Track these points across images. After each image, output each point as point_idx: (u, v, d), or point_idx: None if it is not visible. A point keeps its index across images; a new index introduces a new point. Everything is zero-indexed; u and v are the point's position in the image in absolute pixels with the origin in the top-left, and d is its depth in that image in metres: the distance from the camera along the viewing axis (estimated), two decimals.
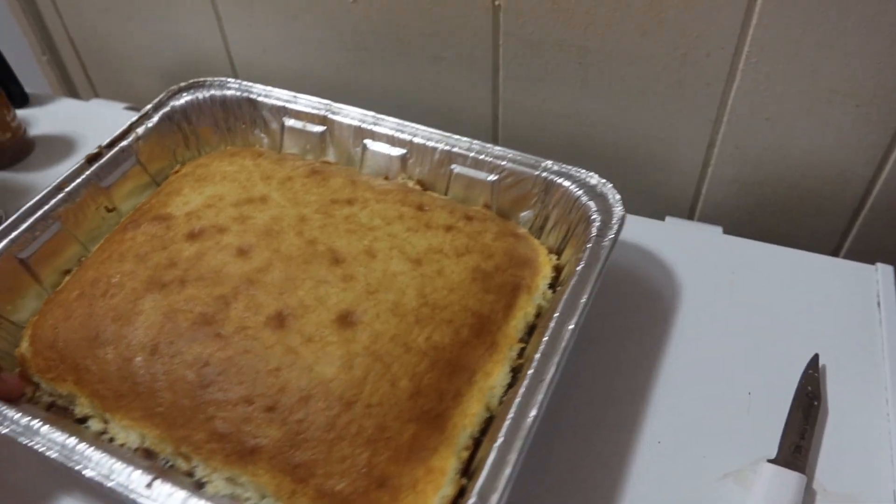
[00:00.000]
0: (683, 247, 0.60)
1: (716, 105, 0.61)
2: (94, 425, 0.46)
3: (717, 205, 0.68)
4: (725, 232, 0.62)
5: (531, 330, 0.49)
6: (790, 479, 0.44)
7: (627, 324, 0.55)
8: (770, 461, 0.46)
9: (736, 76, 0.59)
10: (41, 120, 0.78)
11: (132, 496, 0.39)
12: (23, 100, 0.80)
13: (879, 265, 0.57)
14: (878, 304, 0.55)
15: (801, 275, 0.58)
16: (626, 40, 0.60)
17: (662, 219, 0.64)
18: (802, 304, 0.56)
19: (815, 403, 0.49)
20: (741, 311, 0.55)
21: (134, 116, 0.61)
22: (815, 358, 0.51)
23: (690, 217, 0.71)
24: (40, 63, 0.92)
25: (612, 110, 0.65)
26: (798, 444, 0.47)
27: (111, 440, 0.45)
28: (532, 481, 0.46)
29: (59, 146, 0.60)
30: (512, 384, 0.45)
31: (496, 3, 0.62)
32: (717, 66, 0.59)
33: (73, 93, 0.96)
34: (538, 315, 0.50)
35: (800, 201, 0.65)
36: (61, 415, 0.47)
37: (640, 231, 0.61)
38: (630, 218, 0.62)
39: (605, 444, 0.48)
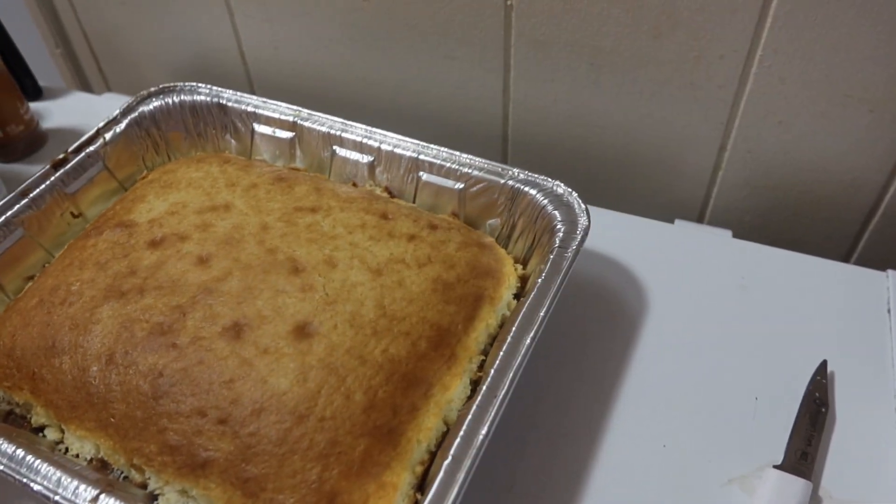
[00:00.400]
0: (692, 250, 0.60)
1: (728, 108, 0.61)
2: (51, 434, 0.46)
3: (727, 208, 0.68)
4: (735, 236, 0.62)
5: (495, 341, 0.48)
6: (796, 486, 0.44)
7: (634, 325, 0.55)
8: (776, 467, 0.45)
9: (749, 79, 0.58)
10: (54, 113, 0.78)
11: None
12: (36, 93, 0.80)
13: (890, 272, 0.57)
14: (889, 310, 0.55)
15: (811, 280, 0.57)
16: (638, 42, 0.59)
17: (672, 222, 0.64)
18: (812, 309, 0.55)
19: (823, 410, 0.48)
20: (749, 316, 0.55)
21: (102, 122, 0.61)
22: (824, 364, 0.51)
23: (700, 220, 0.71)
24: (54, 56, 0.93)
25: (623, 112, 0.65)
26: (804, 450, 0.46)
27: (66, 450, 0.45)
28: (533, 477, 0.46)
29: (72, 139, 0.61)
30: (472, 397, 0.44)
31: (508, 3, 0.61)
32: (730, 69, 0.58)
33: (85, 86, 0.97)
34: (503, 326, 0.49)
35: (811, 206, 0.65)
36: (19, 423, 0.47)
37: (648, 234, 0.61)
38: (639, 220, 0.62)
39: (608, 446, 0.48)
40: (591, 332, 0.54)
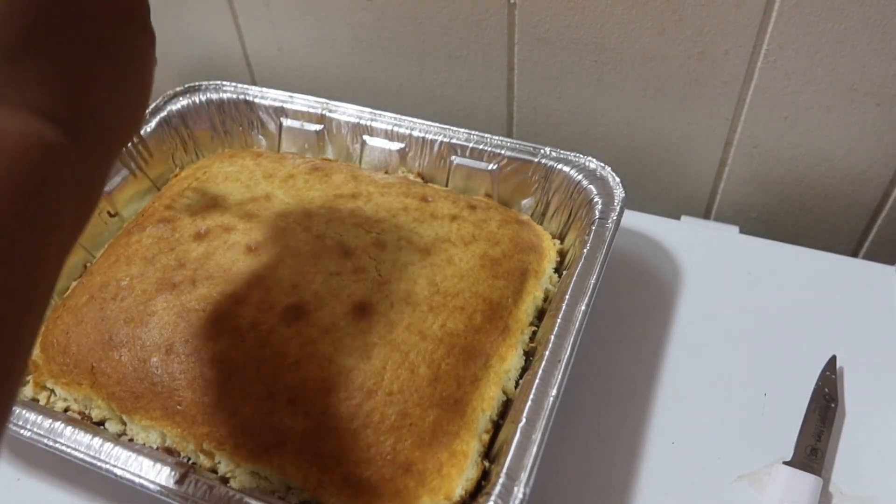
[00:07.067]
0: (699, 246, 0.60)
1: (733, 103, 0.61)
2: (112, 427, 0.46)
3: (733, 204, 0.68)
4: (742, 231, 0.62)
5: (540, 314, 0.50)
6: (806, 482, 0.44)
7: (642, 323, 0.55)
8: (785, 463, 0.45)
9: (754, 74, 0.58)
10: None
11: (166, 493, 0.40)
12: None
13: None
14: None
15: (819, 275, 0.57)
16: (642, 38, 0.59)
17: (678, 218, 0.64)
18: (820, 304, 0.55)
19: (832, 405, 0.48)
20: (758, 312, 0.55)
21: None
22: (833, 359, 0.51)
23: (707, 216, 0.70)
24: None
25: (627, 108, 0.65)
26: (814, 446, 0.46)
27: (130, 441, 0.45)
28: (541, 477, 0.46)
29: None
30: (525, 367, 0.46)
31: (511, 1, 0.61)
32: (734, 64, 0.58)
33: None
34: (546, 299, 0.51)
35: (818, 201, 0.64)
36: (76, 421, 0.47)
37: (655, 230, 0.61)
38: (645, 217, 0.62)
39: (617, 443, 0.48)
40: (595, 330, 0.54)
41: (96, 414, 0.47)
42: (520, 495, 0.37)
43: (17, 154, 0.25)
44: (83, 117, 0.29)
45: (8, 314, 0.24)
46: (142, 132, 0.61)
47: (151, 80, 0.35)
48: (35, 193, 0.25)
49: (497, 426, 0.44)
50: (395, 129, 0.59)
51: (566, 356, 0.43)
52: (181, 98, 0.63)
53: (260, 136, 0.64)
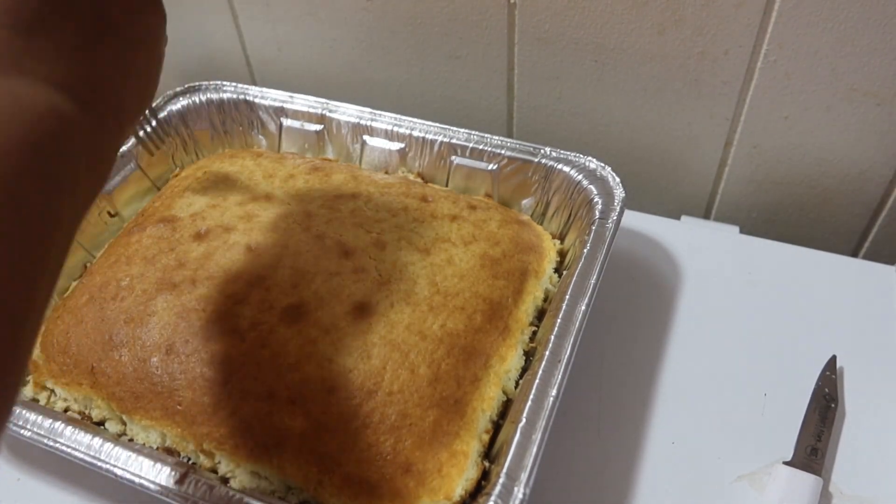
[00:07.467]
0: (699, 246, 0.60)
1: (733, 104, 0.61)
2: (112, 427, 0.46)
3: (733, 204, 0.68)
4: (742, 231, 0.62)
5: (540, 314, 0.50)
6: (806, 482, 0.44)
7: (642, 323, 0.55)
8: (786, 463, 0.45)
9: (754, 74, 0.58)
10: None
11: (166, 493, 0.40)
12: None
13: None
14: None
15: (820, 275, 0.57)
16: (642, 38, 0.59)
17: (678, 218, 0.64)
18: (820, 304, 0.55)
19: (832, 405, 0.48)
20: (758, 312, 0.55)
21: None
22: (833, 359, 0.51)
23: (707, 216, 0.70)
24: None
25: (627, 108, 0.65)
26: (814, 446, 0.46)
27: (130, 441, 0.45)
28: (541, 477, 0.46)
29: None
30: (525, 367, 0.46)
31: (511, 1, 0.61)
32: (734, 65, 0.58)
33: None
34: (546, 299, 0.51)
35: (818, 201, 0.64)
36: (76, 421, 0.47)
37: (655, 230, 0.61)
38: (646, 217, 0.62)
39: (617, 443, 0.48)
40: (595, 330, 0.54)
41: (96, 414, 0.47)
42: (520, 495, 0.37)
43: (32, 120, 0.26)
44: (95, 90, 0.30)
45: (22, 268, 0.24)
46: (142, 131, 0.61)
47: (161, 57, 0.37)
48: (49, 158, 0.26)
49: (497, 426, 0.44)
50: (395, 129, 0.59)
51: (566, 356, 0.43)
52: (181, 98, 0.63)
53: (260, 136, 0.64)
